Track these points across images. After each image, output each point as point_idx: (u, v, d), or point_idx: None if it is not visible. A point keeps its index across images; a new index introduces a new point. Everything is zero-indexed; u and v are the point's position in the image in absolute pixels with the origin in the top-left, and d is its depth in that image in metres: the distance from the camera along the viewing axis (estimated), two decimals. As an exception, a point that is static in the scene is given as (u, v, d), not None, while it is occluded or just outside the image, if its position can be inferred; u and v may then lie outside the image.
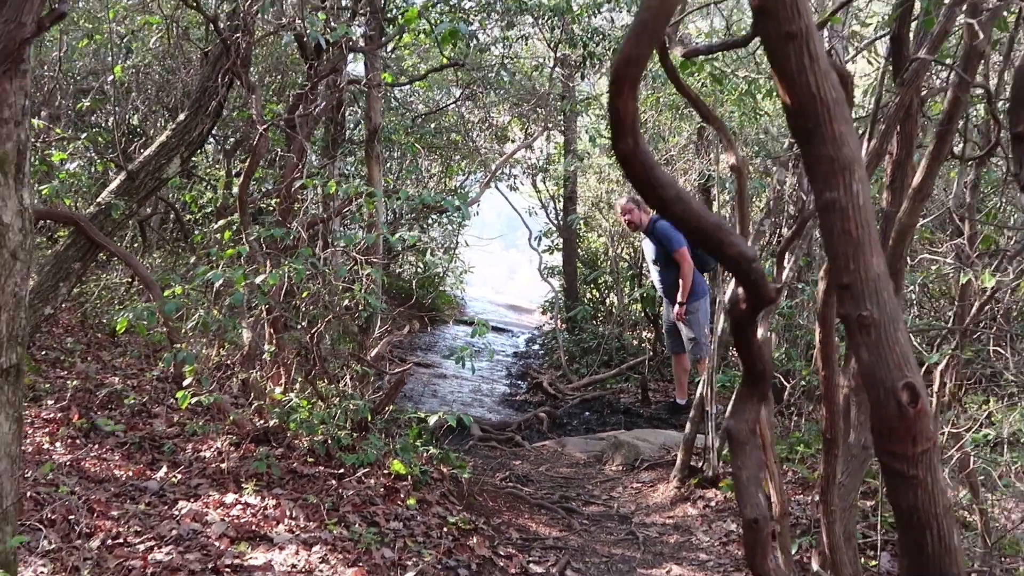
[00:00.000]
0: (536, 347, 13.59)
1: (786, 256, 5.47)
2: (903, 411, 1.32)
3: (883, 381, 1.38)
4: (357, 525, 4.64)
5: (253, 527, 4.48)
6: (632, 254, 12.74)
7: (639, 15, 1.09)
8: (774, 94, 8.18)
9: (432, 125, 12.08)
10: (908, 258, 3.45)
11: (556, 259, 14.93)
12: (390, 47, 9.91)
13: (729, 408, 1.46)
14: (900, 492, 1.44)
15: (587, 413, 9.17)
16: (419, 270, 14.80)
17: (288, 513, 4.65)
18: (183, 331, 6.07)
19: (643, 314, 11.81)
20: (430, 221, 14.69)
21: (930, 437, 1.37)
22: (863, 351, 1.41)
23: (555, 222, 14.73)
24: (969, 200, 4.04)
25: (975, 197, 4.04)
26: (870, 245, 1.39)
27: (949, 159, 2.99)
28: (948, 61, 3.05)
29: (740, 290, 1.33)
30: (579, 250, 14.50)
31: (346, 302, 5.92)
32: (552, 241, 14.69)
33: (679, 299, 8.27)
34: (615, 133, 1.17)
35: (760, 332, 1.37)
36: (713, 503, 5.86)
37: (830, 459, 2.94)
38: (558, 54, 10.22)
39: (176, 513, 4.52)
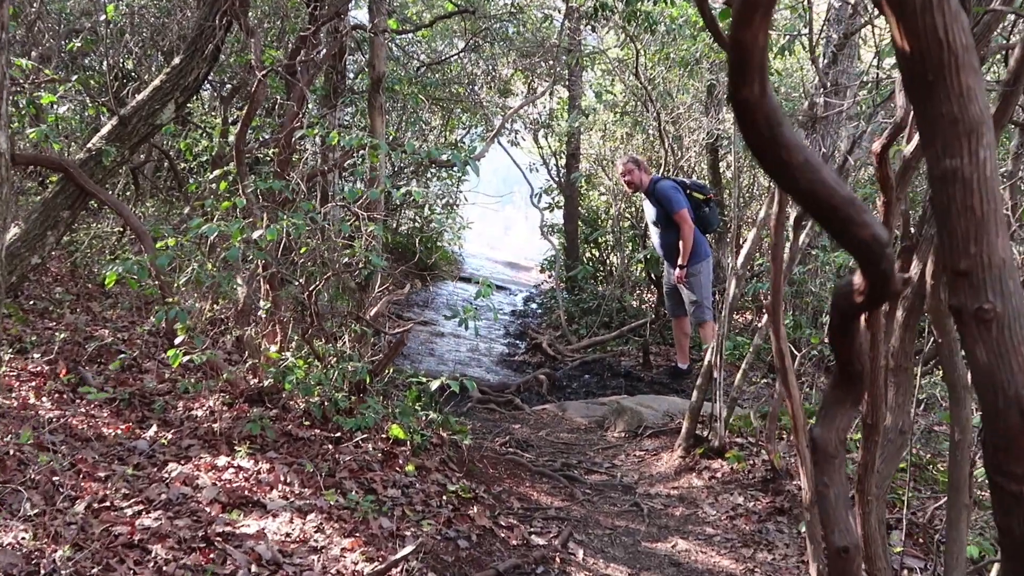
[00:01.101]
0: (535, 306, 13.40)
1: (802, 220, 5.25)
2: (1026, 418, 1.11)
3: (1004, 387, 1.15)
4: (354, 492, 4.44)
5: (246, 492, 4.28)
6: (634, 214, 12.49)
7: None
8: (786, 52, 7.88)
9: (435, 76, 11.77)
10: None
11: (557, 217, 14.69)
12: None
13: (818, 414, 1.23)
14: (1015, 518, 1.22)
15: (587, 376, 8.98)
16: (419, 226, 14.54)
17: (282, 478, 4.45)
18: (176, 285, 5.83)
19: (645, 275, 11.60)
20: (429, 175, 14.41)
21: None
22: (980, 350, 1.17)
23: (556, 179, 14.46)
24: (1011, 168, 3.80)
25: (1017, 165, 3.79)
26: (996, 224, 1.15)
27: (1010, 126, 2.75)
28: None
29: (856, 278, 1.10)
30: (580, 208, 14.26)
31: (346, 259, 5.68)
32: (553, 199, 14.45)
33: (680, 262, 8.06)
34: (737, 75, 0.94)
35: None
36: (719, 474, 5.68)
37: (869, 446, 2.72)
38: (568, 4, 9.88)
39: (166, 476, 4.31)
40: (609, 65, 12.71)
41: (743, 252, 6.19)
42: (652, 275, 11.17)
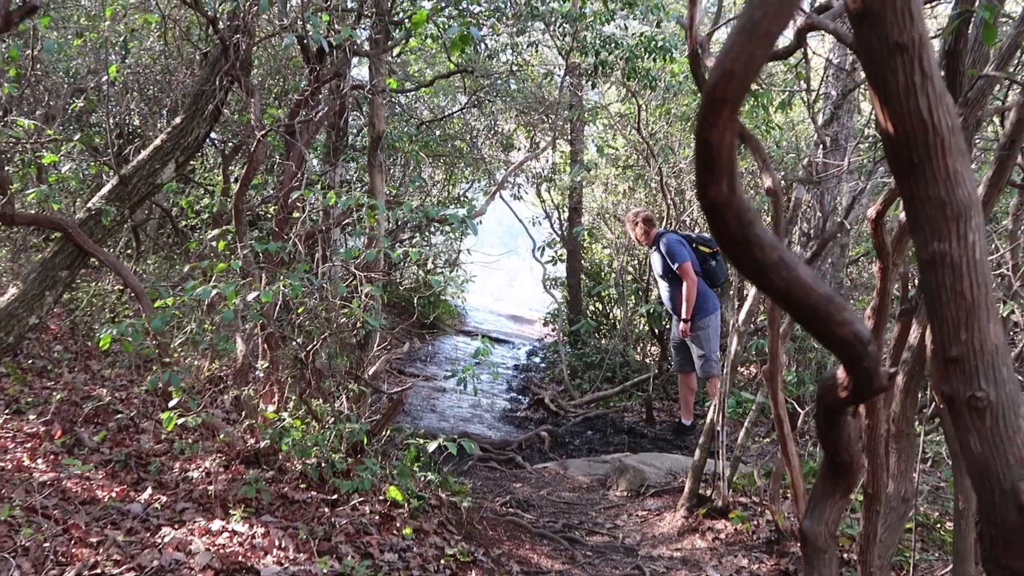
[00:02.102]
0: (538, 360, 13.34)
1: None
2: (1025, 515, 1.06)
3: (1000, 479, 1.11)
4: (350, 557, 4.36)
5: (239, 558, 4.20)
6: (637, 267, 12.48)
7: (747, 14, 0.82)
8: (786, 106, 7.92)
9: (437, 132, 11.85)
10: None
11: (559, 270, 14.69)
12: (396, 51, 9.66)
13: (807, 507, 1.18)
14: (1014, 613, 1.16)
15: (590, 432, 8.90)
16: (420, 283, 14.57)
17: (277, 543, 4.37)
18: (172, 345, 5.80)
19: (648, 329, 11.55)
20: (432, 229, 14.45)
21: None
22: (974, 440, 1.13)
23: (559, 232, 14.50)
24: (1012, 228, 3.77)
25: (1017, 225, 3.77)
26: (987, 309, 1.11)
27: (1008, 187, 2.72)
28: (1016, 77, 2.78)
29: (840, 372, 1.06)
30: (583, 262, 14.27)
31: (343, 318, 5.66)
32: (556, 252, 14.46)
33: (683, 315, 8.03)
34: (706, 175, 0.91)
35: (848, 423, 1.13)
36: (723, 535, 5.58)
37: (871, 515, 2.65)
38: (569, 61, 9.97)
39: (159, 541, 4.24)
40: (611, 120, 12.81)
41: (744, 308, 6.15)
42: (655, 329, 11.13)
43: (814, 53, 7.55)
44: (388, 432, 6.05)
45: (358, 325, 5.82)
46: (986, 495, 1.12)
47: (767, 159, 3.00)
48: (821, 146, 7.78)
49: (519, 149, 14.29)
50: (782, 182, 9.42)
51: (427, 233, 14.24)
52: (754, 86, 7.77)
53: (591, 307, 13.84)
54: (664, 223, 11.15)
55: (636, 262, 12.55)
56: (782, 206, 2.87)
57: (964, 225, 1.10)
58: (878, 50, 1.09)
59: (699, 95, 9.53)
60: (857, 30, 1.08)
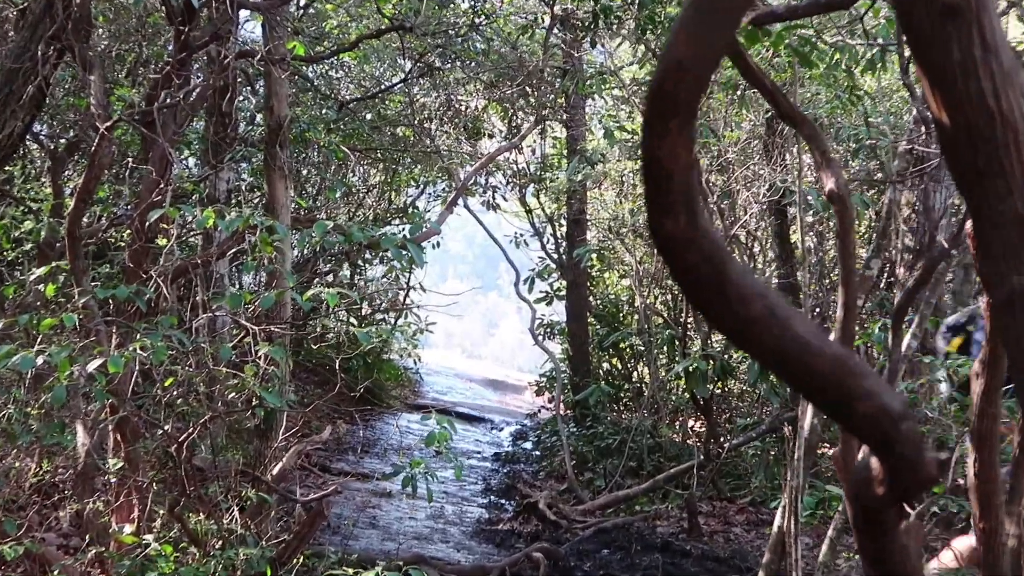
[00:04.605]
0: (528, 446, 13.38)
1: (905, 314, 5.29)
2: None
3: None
4: None
5: None
6: (670, 303, 12.57)
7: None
8: (879, 66, 8.05)
9: (367, 115, 11.94)
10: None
11: (558, 311, 14.75)
12: (302, 2, 9.79)
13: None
14: None
15: (606, 551, 8.94)
16: (346, 337, 14.57)
17: None
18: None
19: (689, 396, 11.60)
20: (369, 256, 14.47)
21: None
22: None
23: (555, 256, 14.56)
24: None
25: None
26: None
27: None
28: None
29: (874, 463, 1.12)
30: (591, 299, 14.33)
31: (232, 394, 5.70)
32: (551, 286, 14.51)
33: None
34: (656, 203, 0.97)
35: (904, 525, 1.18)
36: None
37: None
38: (556, 9, 10.10)
39: None
40: (624, 90, 12.87)
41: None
42: (698, 397, 11.18)
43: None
44: (303, 559, 6.08)
45: (254, 403, 5.85)
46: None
47: (827, 151, 3.07)
48: (923, 125, 7.90)
49: (491, 136, 14.38)
50: (878, 175, 9.54)
51: (359, 264, 14.30)
52: (831, 37, 7.89)
53: (604, 365, 13.90)
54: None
55: (669, 296, 12.65)
56: (851, 217, 2.93)
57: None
58: (923, 16, 1.16)
59: (750, 50, 9.66)
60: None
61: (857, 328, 10.47)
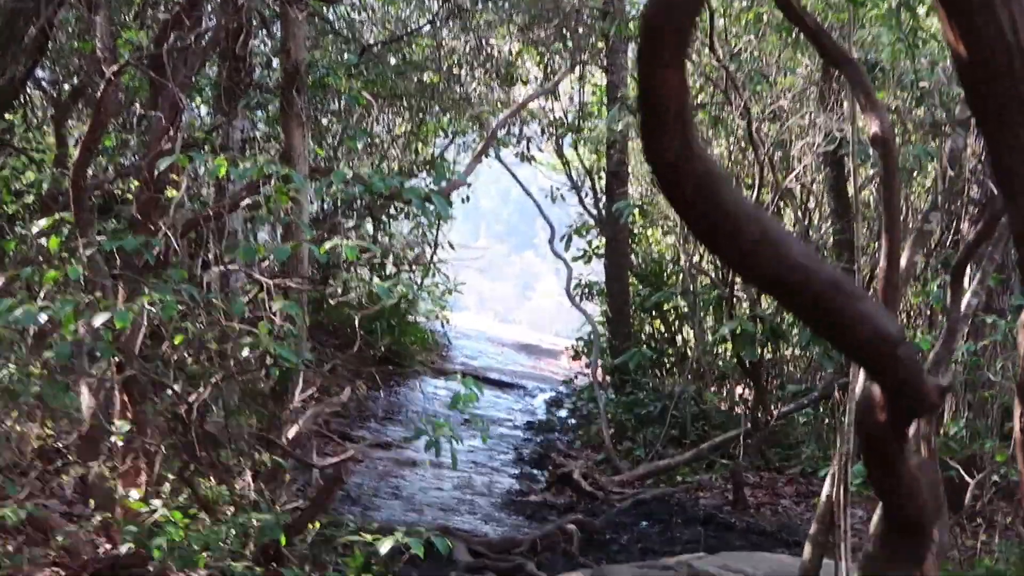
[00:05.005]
0: (563, 414, 13.42)
1: (967, 270, 5.29)
2: None
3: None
4: None
5: None
6: (717, 261, 12.57)
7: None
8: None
9: (392, 61, 11.93)
10: None
11: (596, 271, 14.73)
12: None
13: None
14: None
15: (645, 523, 8.99)
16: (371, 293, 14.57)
17: None
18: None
19: (736, 361, 11.61)
20: (393, 210, 14.45)
21: None
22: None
23: (594, 211, 14.54)
24: None
25: None
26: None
27: None
28: None
29: (875, 389, 1.17)
30: (633, 257, 14.31)
31: (246, 351, 5.74)
32: (589, 243, 14.50)
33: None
34: (651, 130, 1.02)
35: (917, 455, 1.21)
36: None
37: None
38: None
39: None
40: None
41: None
42: (747, 360, 11.18)
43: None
44: (319, 527, 6.14)
45: (268, 362, 5.89)
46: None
47: (871, 90, 3.09)
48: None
49: (525, 83, 14.34)
50: (944, 124, 9.49)
51: (383, 220, 14.32)
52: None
53: (646, 328, 13.90)
54: (756, 191, 11.21)
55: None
56: (895, 158, 2.96)
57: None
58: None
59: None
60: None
61: (918, 286, 10.49)
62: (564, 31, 12.64)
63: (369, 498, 9.13)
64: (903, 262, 5.37)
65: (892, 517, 1.31)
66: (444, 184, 7.51)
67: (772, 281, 1.07)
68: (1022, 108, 1.19)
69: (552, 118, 14.54)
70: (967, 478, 6.72)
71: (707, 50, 11.26)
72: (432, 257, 15.42)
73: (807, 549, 6.15)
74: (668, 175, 1.06)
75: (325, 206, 13.16)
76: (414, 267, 15.38)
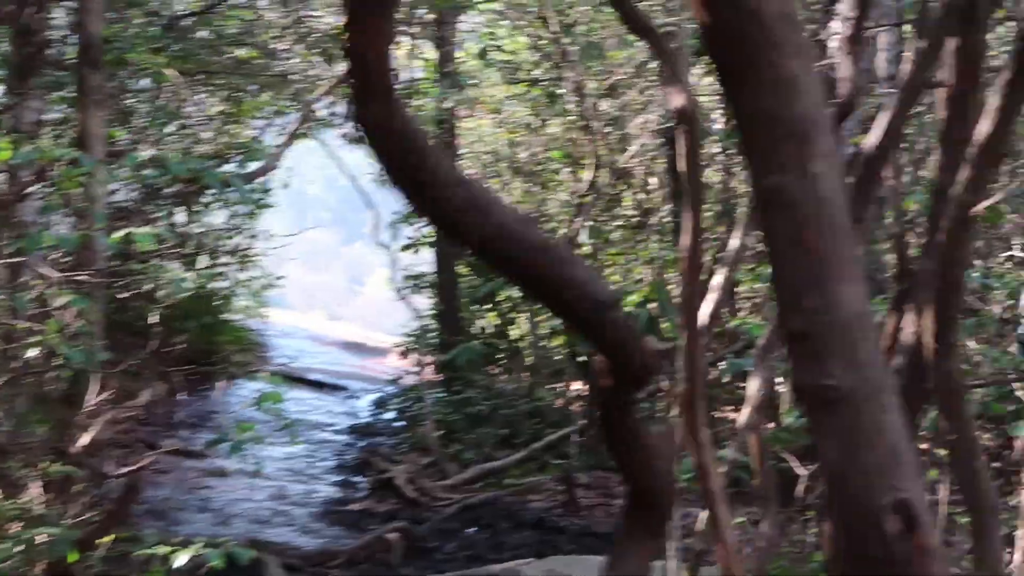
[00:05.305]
0: (389, 416, 13.38)
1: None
2: (890, 546, 1.13)
3: (858, 495, 1.18)
4: None
5: None
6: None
7: None
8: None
9: (200, 34, 11.78)
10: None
11: (426, 260, 14.74)
12: None
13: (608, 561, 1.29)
14: None
15: (472, 529, 9.02)
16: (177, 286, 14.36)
17: None
18: None
19: (569, 354, 11.68)
20: (208, 198, 14.28)
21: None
22: (828, 443, 1.21)
23: (422, 199, 14.53)
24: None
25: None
26: (840, 266, 1.18)
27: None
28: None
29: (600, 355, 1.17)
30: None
31: (31, 352, 5.63)
32: (419, 231, 14.48)
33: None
34: (357, 90, 1.01)
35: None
36: None
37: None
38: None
39: None
40: (502, 2, 12.77)
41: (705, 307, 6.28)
42: (578, 353, 11.24)
43: None
44: (114, 541, 6.03)
45: (57, 362, 5.79)
46: (843, 513, 1.19)
47: (675, 63, 3.08)
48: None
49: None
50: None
51: (197, 206, 14.14)
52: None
53: (478, 322, 13.93)
54: (592, 172, 11.24)
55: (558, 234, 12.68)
56: (697, 135, 2.96)
57: (805, 150, 1.17)
58: None
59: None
60: None
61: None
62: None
63: (175, 511, 9.03)
64: (735, 243, 5.46)
65: (630, 490, 1.30)
66: (253, 168, 7.39)
67: (481, 246, 1.08)
68: (758, 79, 1.16)
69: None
70: (800, 470, 6.85)
71: (540, 21, 11.29)
72: (246, 248, 15.27)
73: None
74: (376, 136, 1.08)
75: (135, 194, 12.94)
76: (230, 259, 15.23)
